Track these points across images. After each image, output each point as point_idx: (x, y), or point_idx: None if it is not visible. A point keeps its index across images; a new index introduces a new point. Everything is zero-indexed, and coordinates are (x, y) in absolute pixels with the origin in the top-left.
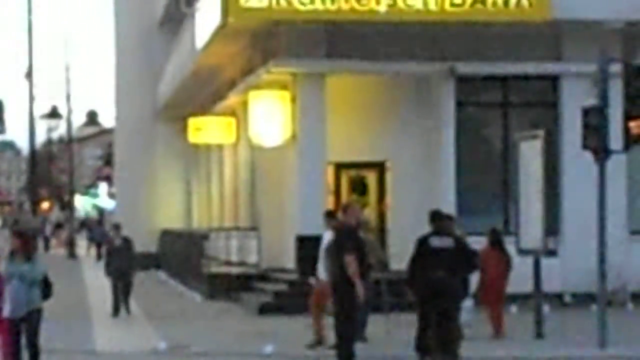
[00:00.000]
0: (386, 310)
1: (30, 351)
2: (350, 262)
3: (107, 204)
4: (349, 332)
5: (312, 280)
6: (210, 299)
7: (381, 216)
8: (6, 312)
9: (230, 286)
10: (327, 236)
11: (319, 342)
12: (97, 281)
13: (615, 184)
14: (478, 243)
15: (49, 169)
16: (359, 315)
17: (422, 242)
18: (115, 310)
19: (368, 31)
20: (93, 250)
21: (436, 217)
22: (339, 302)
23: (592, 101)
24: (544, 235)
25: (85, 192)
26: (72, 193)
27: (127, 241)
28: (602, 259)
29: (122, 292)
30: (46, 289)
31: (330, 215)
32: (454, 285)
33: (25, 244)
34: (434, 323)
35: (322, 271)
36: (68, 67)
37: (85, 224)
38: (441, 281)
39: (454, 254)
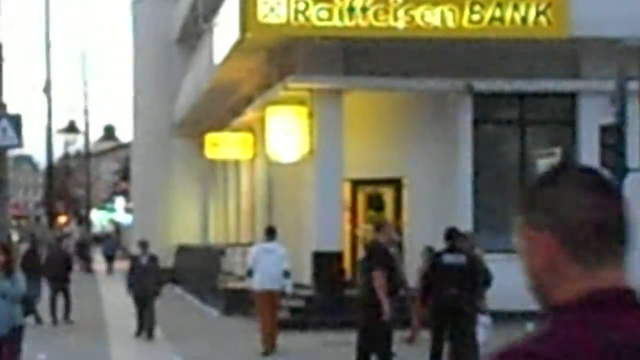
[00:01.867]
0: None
1: None
2: (377, 277)
3: (124, 218)
4: (382, 348)
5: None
6: (226, 315)
7: (398, 233)
8: None
9: (246, 302)
10: (255, 249)
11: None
12: (112, 297)
13: (633, 202)
14: (495, 260)
15: (66, 184)
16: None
17: (436, 259)
18: (139, 330)
19: (385, 48)
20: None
21: (452, 234)
22: (365, 319)
23: (610, 119)
24: None
25: (101, 207)
26: (88, 207)
27: (154, 260)
28: None
29: (146, 315)
30: (27, 305)
31: (271, 231)
32: (467, 302)
33: (8, 259)
34: (449, 339)
35: (257, 281)
36: (86, 82)
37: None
38: (454, 298)
39: (467, 272)
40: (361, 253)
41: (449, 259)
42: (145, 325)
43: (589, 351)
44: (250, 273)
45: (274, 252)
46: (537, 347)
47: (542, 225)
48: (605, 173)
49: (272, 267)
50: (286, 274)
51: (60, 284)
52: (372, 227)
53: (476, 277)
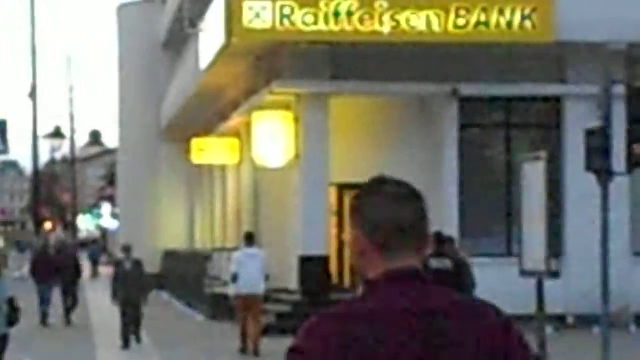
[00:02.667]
0: None
1: None
2: None
3: (110, 224)
4: None
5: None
6: (212, 319)
7: None
8: None
9: (232, 307)
10: (238, 255)
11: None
12: (97, 301)
13: (618, 206)
14: (480, 264)
15: (52, 189)
16: None
17: (421, 264)
18: (125, 342)
19: (371, 52)
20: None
21: (437, 238)
22: None
23: (595, 123)
24: (546, 256)
25: (87, 211)
26: (75, 213)
27: (138, 265)
28: (605, 281)
29: (132, 321)
30: (12, 313)
31: (250, 237)
32: None
33: None
34: None
35: (241, 285)
36: (71, 87)
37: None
38: None
39: (453, 275)
40: (347, 257)
41: (434, 263)
42: (131, 330)
43: (384, 310)
44: (234, 278)
45: (256, 257)
46: (351, 307)
47: (357, 225)
48: (411, 186)
49: (255, 271)
50: (266, 277)
51: (70, 288)
52: None
53: (463, 280)
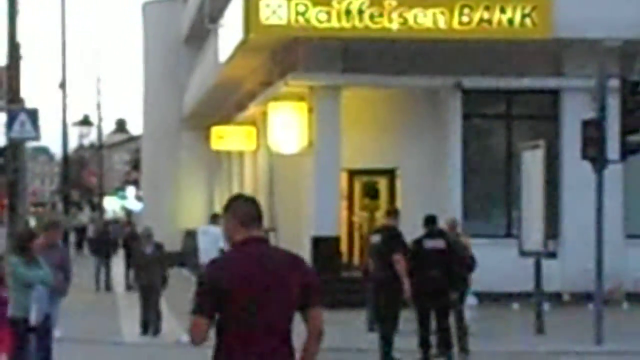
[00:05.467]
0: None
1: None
2: (399, 260)
3: (135, 206)
4: (394, 326)
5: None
6: None
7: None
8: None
9: None
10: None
11: None
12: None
13: (612, 192)
14: (482, 245)
15: (81, 173)
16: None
17: (417, 245)
18: (145, 328)
19: (380, 47)
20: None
21: (429, 220)
22: (386, 299)
23: (591, 114)
24: (544, 238)
25: (113, 194)
26: (101, 195)
27: (159, 248)
28: (599, 261)
29: (152, 308)
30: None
31: (215, 217)
32: (447, 283)
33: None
34: (436, 321)
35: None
36: (99, 78)
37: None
38: (436, 280)
39: (444, 253)
40: (357, 238)
41: (429, 243)
42: (151, 321)
43: (243, 254)
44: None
45: (208, 233)
46: (229, 254)
47: (231, 214)
48: (253, 197)
49: (209, 245)
50: (221, 252)
51: (105, 260)
52: (385, 213)
53: (454, 257)
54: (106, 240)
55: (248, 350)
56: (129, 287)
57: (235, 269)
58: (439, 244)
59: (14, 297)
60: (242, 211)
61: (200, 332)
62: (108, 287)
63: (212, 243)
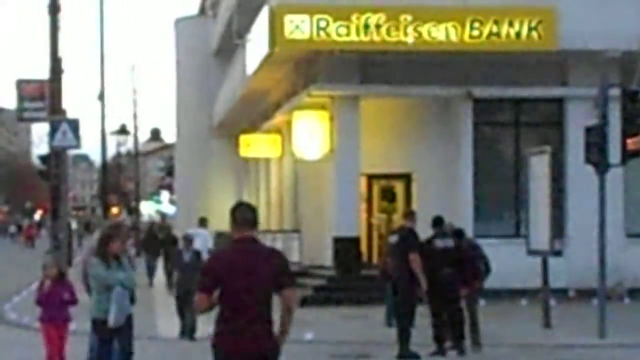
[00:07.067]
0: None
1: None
2: (415, 259)
3: (169, 209)
4: (409, 321)
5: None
6: None
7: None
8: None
9: None
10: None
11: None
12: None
13: (613, 193)
14: (492, 245)
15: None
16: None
17: (428, 245)
18: (183, 333)
19: (397, 60)
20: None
21: (438, 222)
22: (402, 295)
23: (593, 121)
24: (551, 237)
25: (149, 198)
26: (138, 200)
27: (197, 256)
28: (602, 259)
29: (188, 315)
30: (134, 295)
31: (203, 221)
32: (457, 280)
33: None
34: (448, 318)
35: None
36: (135, 90)
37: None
38: (447, 276)
39: (453, 251)
40: (376, 239)
41: (439, 243)
42: (187, 326)
43: (237, 250)
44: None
45: (197, 236)
46: (226, 249)
47: (231, 217)
48: (251, 204)
49: (200, 246)
50: (210, 251)
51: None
52: (402, 215)
53: (463, 255)
54: (154, 240)
55: (238, 317)
56: (170, 286)
57: (227, 259)
58: (449, 243)
59: (95, 299)
60: (240, 216)
61: (202, 304)
62: (151, 283)
63: (202, 244)
